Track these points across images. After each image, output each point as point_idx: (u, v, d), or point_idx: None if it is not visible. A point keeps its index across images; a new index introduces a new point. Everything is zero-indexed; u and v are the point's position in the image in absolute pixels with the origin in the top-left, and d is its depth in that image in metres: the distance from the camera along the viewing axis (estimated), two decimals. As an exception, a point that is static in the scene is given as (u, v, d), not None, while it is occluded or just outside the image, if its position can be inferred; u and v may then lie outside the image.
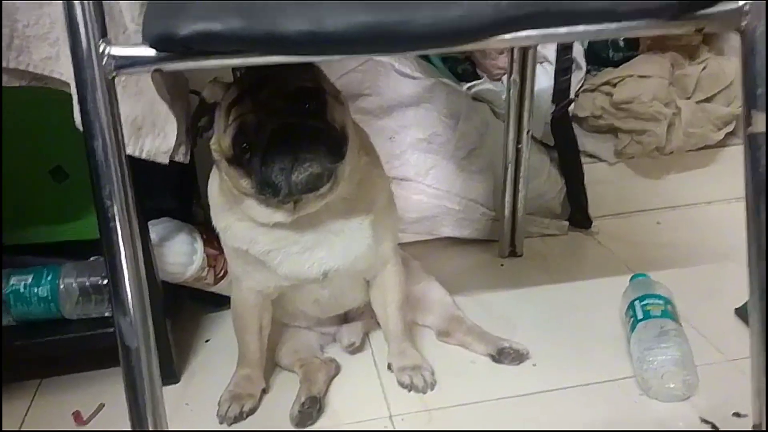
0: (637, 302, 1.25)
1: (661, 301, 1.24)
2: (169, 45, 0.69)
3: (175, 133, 1.04)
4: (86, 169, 0.75)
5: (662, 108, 1.64)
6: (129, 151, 1.01)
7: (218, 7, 0.69)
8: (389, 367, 1.24)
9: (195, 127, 1.00)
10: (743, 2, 0.77)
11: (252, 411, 1.16)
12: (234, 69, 1.48)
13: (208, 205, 1.13)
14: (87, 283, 1.18)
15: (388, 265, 1.18)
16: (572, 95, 1.66)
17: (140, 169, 1.10)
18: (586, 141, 1.76)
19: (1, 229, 1.30)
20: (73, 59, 0.71)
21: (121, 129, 0.75)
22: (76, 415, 1.17)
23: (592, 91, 1.74)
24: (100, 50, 0.71)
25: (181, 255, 1.26)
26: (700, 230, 1.66)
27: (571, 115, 1.69)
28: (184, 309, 1.43)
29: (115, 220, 0.75)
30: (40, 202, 1.34)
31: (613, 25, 0.74)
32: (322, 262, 1.07)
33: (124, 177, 0.75)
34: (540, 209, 1.70)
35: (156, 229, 1.26)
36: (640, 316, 1.22)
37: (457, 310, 1.35)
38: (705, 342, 1.24)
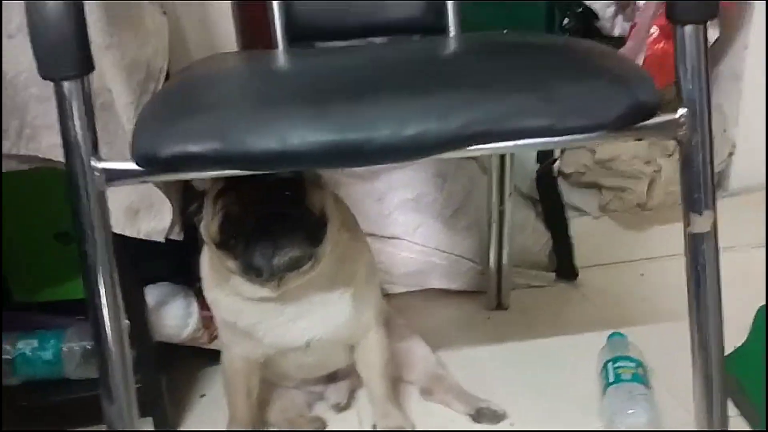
0: (610, 364, 1.28)
1: (632, 364, 1.28)
2: (152, 163, 0.77)
3: (171, 214, 1.12)
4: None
5: (643, 166, 1.70)
6: (127, 232, 1.10)
7: (195, 130, 0.77)
8: (374, 427, 1.30)
9: (186, 213, 1.08)
10: (679, 114, 0.83)
11: None
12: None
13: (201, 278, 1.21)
14: (89, 347, 1.25)
15: (371, 332, 1.25)
16: (556, 154, 1.72)
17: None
18: (571, 195, 1.80)
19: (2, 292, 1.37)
20: (66, 173, 0.79)
21: (110, 232, 0.82)
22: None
23: (577, 149, 1.79)
24: (92, 165, 0.79)
25: (177, 318, 1.34)
26: (682, 281, 1.70)
27: (556, 171, 1.75)
28: (182, 363, 1.49)
29: (104, 326, 0.82)
30: (46, 264, 1.41)
31: (555, 139, 0.81)
32: (305, 332, 1.14)
33: (114, 279, 0.82)
34: (526, 261, 1.74)
35: (153, 293, 1.34)
36: (611, 378, 1.25)
37: (439, 369, 1.40)
38: (676, 404, 1.26)
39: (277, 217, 1.02)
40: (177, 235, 1.16)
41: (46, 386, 1.28)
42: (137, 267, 1.24)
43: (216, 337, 1.42)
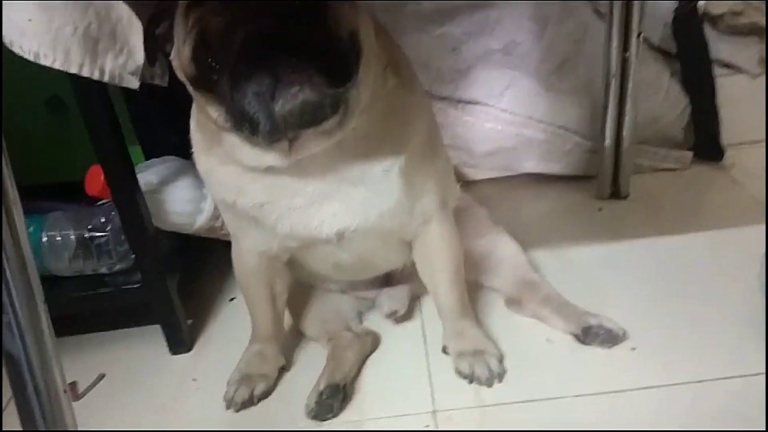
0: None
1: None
2: None
3: (141, 51, 0.80)
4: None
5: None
6: (86, 72, 0.80)
7: None
8: (444, 350, 1.01)
9: (151, 38, 0.75)
10: None
11: (264, 395, 0.98)
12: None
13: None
14: (72, 237, 1.02)
15: (432, 224, 0.92)
16: None
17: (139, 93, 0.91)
18: (720, 46, 1.44)
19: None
20: None
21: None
22: (72, 388, 1.03)
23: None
24: None
25: (186, 202, 1.08)
26: None
27: (700, 12, 1.39)
28: (207, 262, 1.26)
29: None
30: (35, 138, 1.17)
31: None
32: (335, 219, 0.83)
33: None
34: (655, 137, 1.44)
35: (156, 170, 1.08)
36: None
37: (531, 273, 1.10)
38: None
39: (280, 37, 0.66)
40: (159, 80, 0.85)
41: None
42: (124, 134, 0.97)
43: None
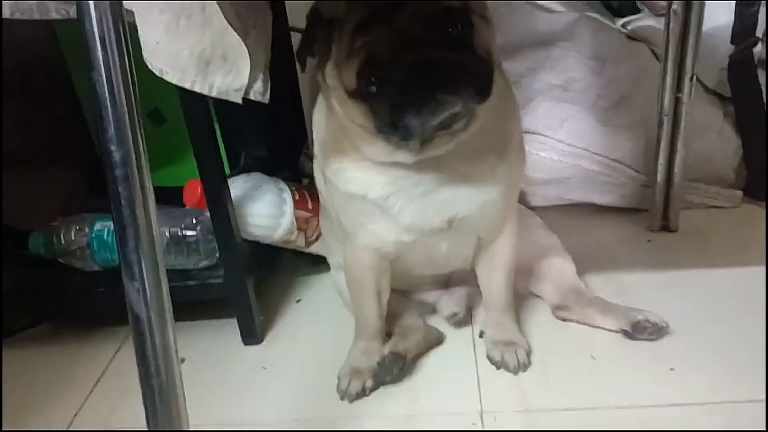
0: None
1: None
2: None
3: (249, 67, 0.93)
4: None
5: None
6: (197, 88, 0.92)
7: None
8: (481, 335, 1.11)
9: (306, 48, 0.85)
10: None
11: (375, 387, 1.05)
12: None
13: (313, 141, 1.01)
14: (168, 234, 1.13)
15: (507, 227, 1.03)
16: (759, 33, 1.38)
17: (231, 111, 1.03)
18: None
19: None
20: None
21: (127, 56, 0.63)
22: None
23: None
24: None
25: (266, 217, 1.18)
26: None
27: (756, 58, 1.42)
28: (281, 265, 1.36)
29: (122, 167, 0.64)
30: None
31: None
32: (447, 206, 0.92)
33: (133, 115, 0.64)
34: (706, 175, 1.48)
35: (242, 184, 1.18)
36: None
37: (578, 282, 1.18)
38: None
39: (440, 62, 0.77)
40: (260, 97, 0.96)
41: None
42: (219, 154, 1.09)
43: (313, 241, 1.26)
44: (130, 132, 0.64)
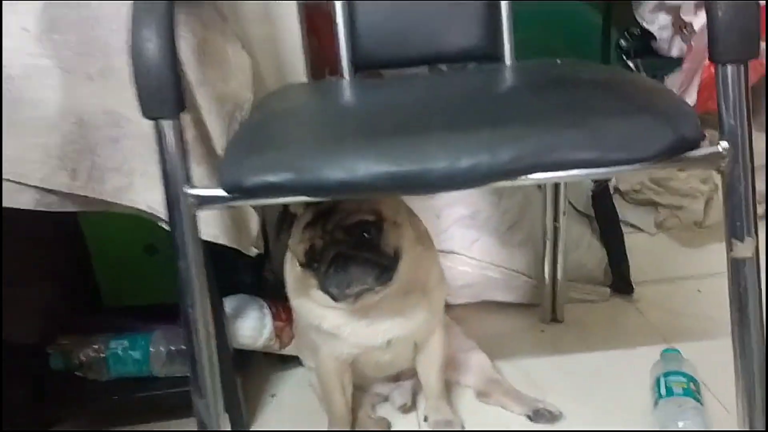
0: (662, 378, 1.32)
1: (684, 379, 1.31)
2: (238, 190, 0.88)
3: (258, 227, 1.25)
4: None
5: (699, 185, 1.72)
6: (225, 242, 1.20)
7: (273, 163, 0.88)
8: (425, 419, 1.40)
9: (280, 230, 1.21)
10: (721, 147, 0.89)
11: None
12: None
13: (282, 278, 1.32)
14: (173, 348, 1.40)
15: (436, 331, 1.36)
16: None
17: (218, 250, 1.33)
18: (627, 212, 1.86)
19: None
20: (165, 200, 0.91)
21: (201, 249, 0.94)
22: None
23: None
24: (185, 191, 0.91)
25: (252, 329, 1.46)
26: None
27: (612, 188, 1.79)
28: (253, 365, 1.61)
29: (196, 334, 0.94)
30: (134, 273, 1.57)
31: (601, 170, 0.88)
32: (386, 332, 1.25)
33: (204, 291, 0.94)
34: (582, 277, 1.78)
35: (230, 303, 1.47)
36: (663, 392, 1.30)
37: (495, 374, 1.48)
38: (729, 419, 1.27)
39: (353, 257, 1.13)
40: (260, 247, 1.28)
41: (135, 382, 1.43)
42: (217, 279, 1.37)
43: (287, 344, 1.54)
44: (203, 303, 0.95)
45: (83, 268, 1.63)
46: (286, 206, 1.20)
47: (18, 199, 1.00)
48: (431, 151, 0.87)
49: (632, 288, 1.76)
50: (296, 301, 1.29)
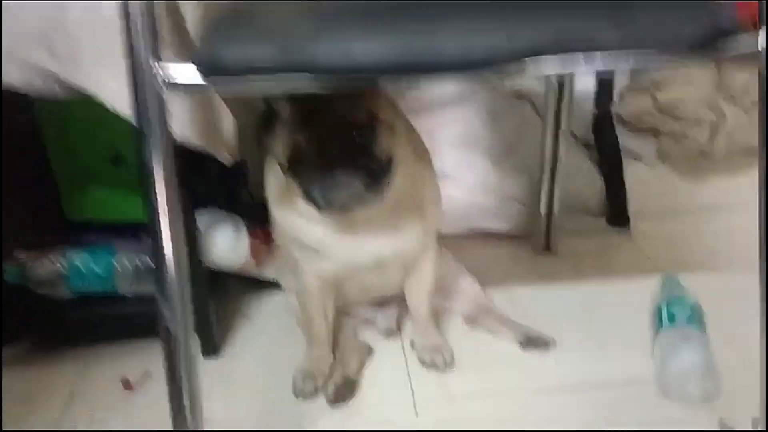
0: (663, 306, 1.28)
1: (686, 307, 1.26)
2: (213, 67, 0.76)
3: (232, 132, 1.13)
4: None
5: (706, 112, 1.63)
6: (194, 144, 1.08)
7: (257, 36, 0.75)
8: (412, 344, 1.33)
9: (262, 131, 1.07)
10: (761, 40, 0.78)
11: (324, 386, 1.23)
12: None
13: (262, 200, 1.21)
14: (140, 265, 1.28)
15: (429, 253, 1.26)
16: (615, 95, 1.67)
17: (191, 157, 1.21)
18: (627, 141, 1.77)
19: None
20: (130, 78, 0.78)
21: (171, 140, 0.82)
22: (125, 382, 1.28)
23: (636, 91, 1.73)
24: (151, 64, 0.78)
25: (225, 248, 1.35)
26: (740, 235, 1.63)
27: (613, 114, 1.70)
28: (226, 286, 1.51)
29: (160, 216, 0.82)
30: (99, 186, 1.44)
31: (631, 58, 0.77)
32: (375, 251, 1.15)
33: (170, 179, 0.82)
34: (577, 207, 1.72)
35: (203, 219, 1.34)
36: (665, 320, 1.25)
37: (485, 298, 1.41)
38: (730, 348, 1.24)
39: (342, 160, 1.00)
40: (234, 156, 1.16)
41: (99, 301, 1.32)
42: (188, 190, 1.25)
43: (264, 264, 1.44)
44: (172, 196, 0.83)
45: (46, 184, 1.50)
46: (269, 103, 1.06)
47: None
48: (444, 29, 0.75)
49: (628, 221, 1.70)
50: (278, 213, 1.17)
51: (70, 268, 1.28)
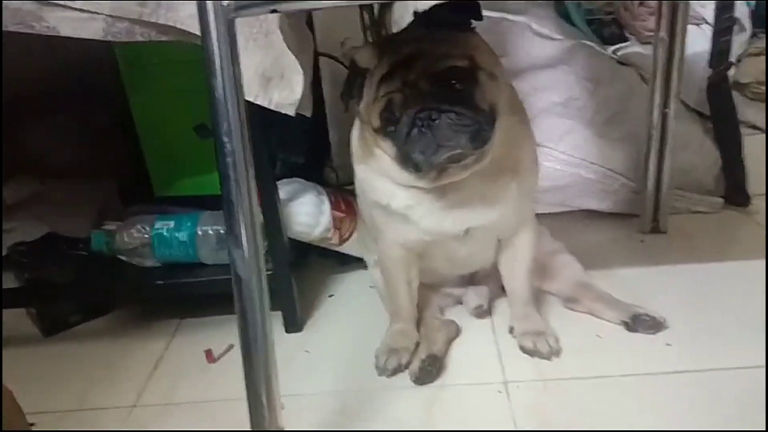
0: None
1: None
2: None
3: (302, 85, 1.06)
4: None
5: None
6: (259, 101, 1.05)
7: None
8: (511, 330, 1.22)
9: (348, 92, 1.01)
10: None
11: (408, 364, 1.16)
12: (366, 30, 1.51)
13: (342, 165, 1.15)
14: (222, 231, 1.25)
15: (526, 227, 1.16)
16: (733, 59, 1.53)
17: (275, 125, 1.17)
18: (747, 110, 1.64)
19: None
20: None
21: (239, 68, 0.78)
22: (208, 354, 1.26)
23: (757, 55, 1.58)
24: (220, -6, 0.73)
25: (307, 216, 1.31)
26: None
27: (731, 81, 1.55)
28: (311, 265, 1.48)
29: (232, 155, 0.78)
30: (184, 159, 1.43)
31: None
32: (465, 219, 1.06)
33: (241, 114, 0.78)
34: (690, 183, 1.58)
35: (286, 188, 1.31)
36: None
37: (585, 276, 1.29)
38: None
39: (443, 112, 0.91)
40: (307, 111, 1.10)
41: (182, 268, 1.30)
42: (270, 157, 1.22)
43: (346, 239, 1.39)
44: (239, 127, 0.78)
45: (136, 161, 1.52)
46: (354, 63, 1.00)
47: (87, 29, 1.03)
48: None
49: (748, 199, 1.56)
50: (363, 175, 1.09)
51: (154, 233, 1.27)
